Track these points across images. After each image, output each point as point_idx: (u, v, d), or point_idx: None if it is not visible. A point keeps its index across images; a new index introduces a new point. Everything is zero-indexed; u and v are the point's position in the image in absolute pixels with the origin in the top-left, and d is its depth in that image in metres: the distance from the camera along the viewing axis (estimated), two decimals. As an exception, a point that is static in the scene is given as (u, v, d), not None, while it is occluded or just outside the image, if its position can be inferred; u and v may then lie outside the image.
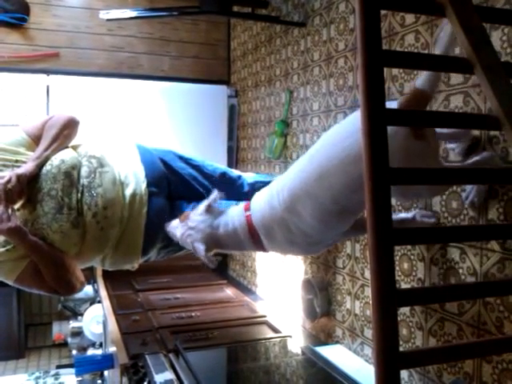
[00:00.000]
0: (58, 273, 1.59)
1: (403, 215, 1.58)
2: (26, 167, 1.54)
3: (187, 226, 1.42)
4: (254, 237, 1.36)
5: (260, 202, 1.37)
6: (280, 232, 1.32)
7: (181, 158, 1.92)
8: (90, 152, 1.69)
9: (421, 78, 1.18)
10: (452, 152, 1.45)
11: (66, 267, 1.59)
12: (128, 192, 1.70)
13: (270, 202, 1.33)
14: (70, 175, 1.60)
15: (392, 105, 1.21)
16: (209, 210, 1.41)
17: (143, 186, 1.74)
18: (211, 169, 1.97)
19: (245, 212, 1.38)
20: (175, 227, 1.47)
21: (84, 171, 1.63)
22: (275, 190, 1.34)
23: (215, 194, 1.45)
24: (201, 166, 1.94)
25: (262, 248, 1.40)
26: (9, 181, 1.47)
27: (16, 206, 1.53)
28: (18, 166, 1.55)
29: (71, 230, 1.57)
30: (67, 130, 1.66)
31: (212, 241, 1.39)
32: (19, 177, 1.49)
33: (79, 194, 1.60)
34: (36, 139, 1.63)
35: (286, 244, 1.36)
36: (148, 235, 1.73)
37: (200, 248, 1.37)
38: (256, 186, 2.00)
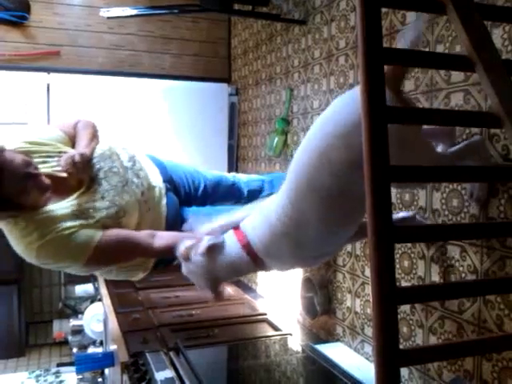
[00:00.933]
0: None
1: (403, 214, 1.57)
2: (83, 149, 1.58)
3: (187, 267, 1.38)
4: (256, 261, 1.31)
5: (254, 223, 1.31)
6: (285, 247, 1.26)
7: (178, 167, 2.00)
8: (119, 145, 1.78)
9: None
10: None
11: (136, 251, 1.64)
12: (152, 182, 1.78)
13: (267, 219, 1.27)
14: (120, 158, 1.70)
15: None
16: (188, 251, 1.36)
17: (160, 179, 1.83)
18: (204, 176, 2.02)
19: (238, 240, 1.31)
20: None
21: (124, 157, 1.72)
22: (267, 210, 1.29)
23: (188, 225, 1.43)
24: (195, 174, 2.00)
25: (263, 268, 1.35)
26: (73, 156, 1.51)
27: (83, 189, 1.57)
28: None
29: (137, 203, 1.65)
30: (98, 132, 1.76)
31: (211, 276, 1.34)
32: (82, 154, 1.53)
33: (129, 176, 1.69)
34: (72, 137, 1.69)
35: (290, 258, 1.31)
36: (168, 228, 1.77)
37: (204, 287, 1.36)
38: (251, 186, 2.09)
